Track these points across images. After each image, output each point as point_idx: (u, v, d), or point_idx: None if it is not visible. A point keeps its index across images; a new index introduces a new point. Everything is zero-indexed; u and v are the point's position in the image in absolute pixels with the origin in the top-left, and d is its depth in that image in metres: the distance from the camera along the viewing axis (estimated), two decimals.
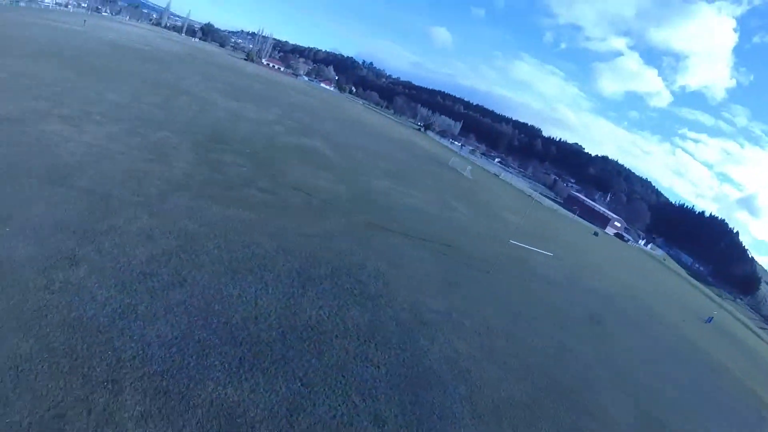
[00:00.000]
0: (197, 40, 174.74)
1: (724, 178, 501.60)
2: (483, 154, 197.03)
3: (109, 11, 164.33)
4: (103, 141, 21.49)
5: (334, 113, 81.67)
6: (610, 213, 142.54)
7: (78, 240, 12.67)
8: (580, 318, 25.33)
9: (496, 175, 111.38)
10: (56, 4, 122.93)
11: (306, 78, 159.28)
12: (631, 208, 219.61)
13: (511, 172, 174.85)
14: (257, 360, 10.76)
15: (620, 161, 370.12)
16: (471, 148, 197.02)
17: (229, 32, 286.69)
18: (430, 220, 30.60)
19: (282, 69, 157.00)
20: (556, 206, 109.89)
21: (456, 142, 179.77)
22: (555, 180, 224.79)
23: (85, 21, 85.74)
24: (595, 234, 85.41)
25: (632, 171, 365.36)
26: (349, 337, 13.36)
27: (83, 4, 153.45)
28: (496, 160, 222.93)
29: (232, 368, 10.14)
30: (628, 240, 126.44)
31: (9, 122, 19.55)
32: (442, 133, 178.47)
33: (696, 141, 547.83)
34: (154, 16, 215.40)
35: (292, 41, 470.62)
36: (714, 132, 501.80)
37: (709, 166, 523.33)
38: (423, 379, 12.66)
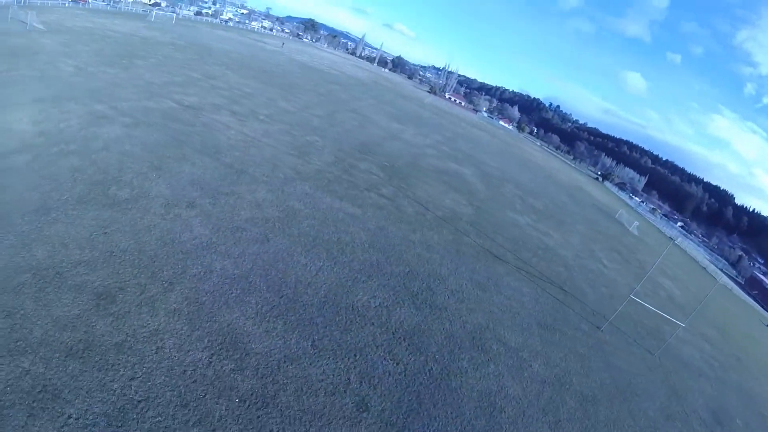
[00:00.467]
0: (387, 70, 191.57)
1: None
2: (665, 215, 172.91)
3: (309, 38, 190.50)
4: (258, 134, 26.03)
5: (501, 148, 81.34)
6: None
7: (202, 193, 16.73)
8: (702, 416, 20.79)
9: (672, 239, 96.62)
10: (262, 27, 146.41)
11: (486, 114, 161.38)
12: None
13: (691, 240, 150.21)
14: (287, 313, 12.41)
15: None
16: (652, 206, 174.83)
17: (419, 66, 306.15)
18: (559, 262, 28.53)
19: (463, 104, 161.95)
20: (733, 285, 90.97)
21: (635, 198, 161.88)
22: (740, 256, 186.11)
23: (283, 43, 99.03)
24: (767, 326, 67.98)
25: None
26: (385, 329, 13.77)
27: (286, 30, 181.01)
28: (678, 223, 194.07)
29: (262, 310, 12.07)
30: None
31: (190, 110, 25.38)
32: (622, 186, 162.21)
33: None
34: (351, 45, 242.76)
35: (480, 79, 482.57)
36: None
37: None
38: (442, 396, 12.21)
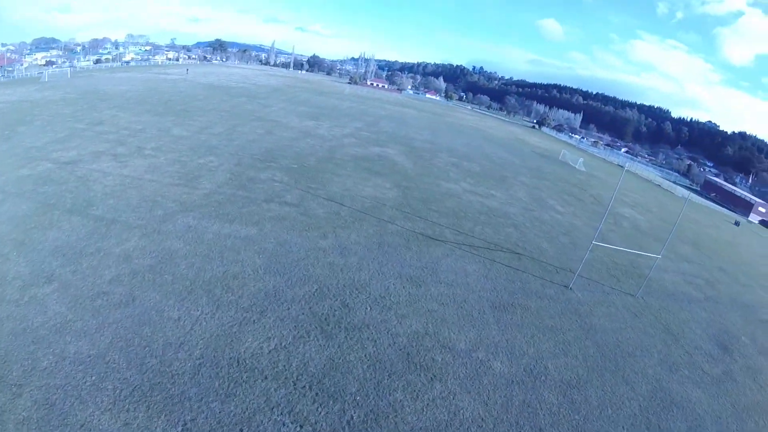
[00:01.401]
0: (304, 72, 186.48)
1: None
2: (607, 145, 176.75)
3: (219, 58, 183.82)
4: (140, 172, 21.74)
5: (430, 120, 78.76)
6: (753, 197, 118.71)
7: (64, 261, 13.57)
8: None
9: (620, 166, 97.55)
10: (167, 59, 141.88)
11: (411, 91, 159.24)
12: None
13: (638, 162, 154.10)
14: (152, 393, 9.32)
15: (759, 136, 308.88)
16: (593, 140, 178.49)
17: (338, 61, 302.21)
18: (507, 222, 25.51)
19: (386, 86, 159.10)
20: (691, 194, 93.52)
21: (575, 136, 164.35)
22: (690, 165, 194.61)
23: (187, 70, 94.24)
24: (736, 224, 68.86)
25: None
26: (284, 381, 10.21)
27: (193, 57, 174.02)
28: (623, 150, 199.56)
29: (120, 397, 9.24)
30: None
31: (67, 166, 21.19)
32: (559, 128, 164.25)
33: None
34: (264, 56, 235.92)
35: (401, 60, 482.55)
36: None
37: None
38: None
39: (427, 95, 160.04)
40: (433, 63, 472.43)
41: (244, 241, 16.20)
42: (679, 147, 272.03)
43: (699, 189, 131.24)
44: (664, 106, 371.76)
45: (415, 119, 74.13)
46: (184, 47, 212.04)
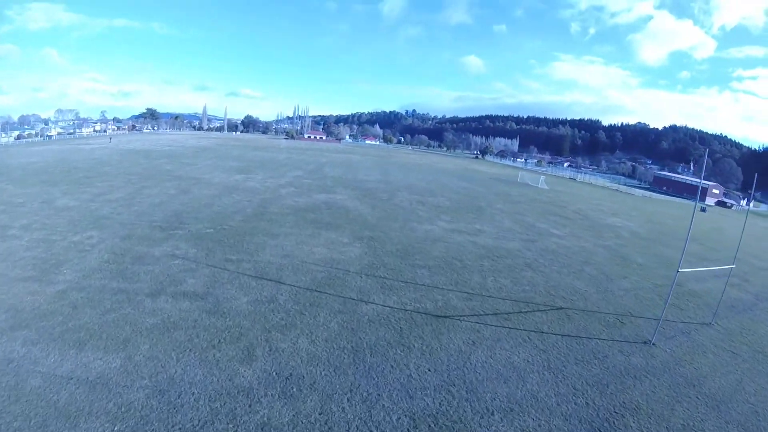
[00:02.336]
0: (238, 133, 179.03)
1: None
2: (549, 162, 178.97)
3: (150, 127, 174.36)
4: None
5: (375, 162, 72.92)
6: (703, 182, 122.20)
7: None
8: None
9: (573, 179, 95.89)
10: (94, 131, 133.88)
11: (350, 140, 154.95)
12: (718, 169, 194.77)
13: (585, 172, 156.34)
14: None
15: (689, 126, 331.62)
16: (535, 160, 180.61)
17: (273, 122, 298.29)
18: (517, 266, 18.31)
19: (324, 138, 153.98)
20: (647, 193, 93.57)
21: (518, 159, 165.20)
22: (633, 166, 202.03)
23: (110, 138, 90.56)
24: (703, 210, 67.43)
25: (704, 131, 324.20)
26: None
27: (123, 127, 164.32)
28: (566, 164, 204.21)
29: None
30: (731, 205, 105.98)
31: None
32: (502, 154, 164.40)
33: (754, 78, 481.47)
34: (196, 123, 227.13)
35: (335, 113, 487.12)
36: None
37: None
38: None
39: (367, 141, 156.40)
40: (367, 112, 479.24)
41: (92, 391, 7.78)
42: (617, 152, 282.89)
43: (649, 186, 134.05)
44: (593, 115, 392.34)
45: (361, 162, 67.84)
46: (114, 119, 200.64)
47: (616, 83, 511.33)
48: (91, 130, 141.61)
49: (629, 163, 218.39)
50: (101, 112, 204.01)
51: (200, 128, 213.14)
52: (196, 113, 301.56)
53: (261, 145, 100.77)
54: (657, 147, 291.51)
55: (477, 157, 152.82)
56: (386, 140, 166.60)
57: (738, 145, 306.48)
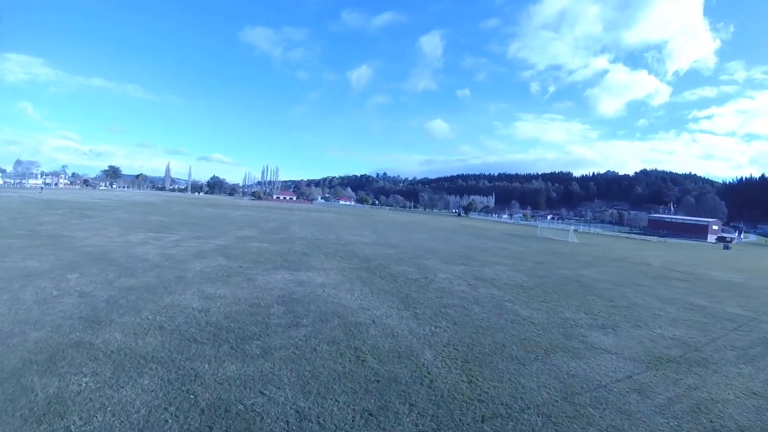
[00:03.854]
0: (202, 194, 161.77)
1: (750, 137, 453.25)
2: (532, 216, 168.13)
3: (106, 184, 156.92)
4: None
5: (358, 221, 57.10)
6: (701, 220, 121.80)
7: None
8: None
9: (577, 231, 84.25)
10: (45, 183, 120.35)
11: (322, 201, 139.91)
12: (702, 206, 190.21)
13: (574, 224, 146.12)
14: None
15: (659, 168, 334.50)
16: (520, 214, 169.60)
17: (243, 186, 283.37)
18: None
19: (294, 199, 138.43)
20: (647, 237, 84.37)
21: (503, 215, 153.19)
22: (619, 213, 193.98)
23: (42, 188, 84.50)
24: (726, 247, 57.90)
25: (674, 172, 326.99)
26: None
27: (75, 182, 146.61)
28: (549, 217, 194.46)
29: None
30: (731, 240, 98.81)
31: None
32: (487, 210, 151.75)
33: (709, 117, 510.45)
34: (159, 184, 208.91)
35: (306, 178, 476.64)
36: (721, 99, 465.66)
37: (732, 134, 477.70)
38: None
39: (341, 202, 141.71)
40: (338, 176, 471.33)
41: None
42: (595, 200, 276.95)
43: (645, 230, 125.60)
44: (560, 168, 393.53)
45: (340, 221, 51.79)
46: (72, 174, 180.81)
47: (577, 138, 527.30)
48: (41, 182, 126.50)
49: (611, 210, 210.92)
50: (62, 166, 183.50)
51: (162, 188, 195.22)
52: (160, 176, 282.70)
53: (218, 203, 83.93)
54: (631, 192, 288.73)
55: (459, 215, 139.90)
56: (361, 201, 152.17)
57: (709, 182, 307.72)
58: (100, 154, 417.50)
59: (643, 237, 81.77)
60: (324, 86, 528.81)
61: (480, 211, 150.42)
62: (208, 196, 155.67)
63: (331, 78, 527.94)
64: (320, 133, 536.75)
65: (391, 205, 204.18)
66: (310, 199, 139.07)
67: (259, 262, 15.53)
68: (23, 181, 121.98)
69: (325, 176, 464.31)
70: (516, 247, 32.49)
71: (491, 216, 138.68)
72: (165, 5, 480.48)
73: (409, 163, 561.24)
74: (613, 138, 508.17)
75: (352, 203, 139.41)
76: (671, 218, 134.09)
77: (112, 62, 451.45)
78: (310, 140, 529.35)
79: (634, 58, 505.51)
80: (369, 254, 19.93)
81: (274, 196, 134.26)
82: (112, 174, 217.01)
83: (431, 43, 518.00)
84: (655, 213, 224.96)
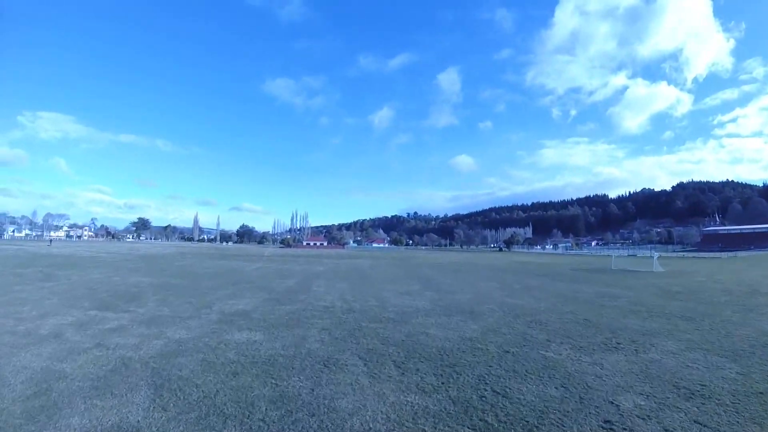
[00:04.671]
0: (230, 243, 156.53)
1: None
2: (577, 244, 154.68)
3: (135, 236, 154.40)
4: None
5: (397, 266, 48.14)
6: (760, 227, 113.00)
7: None
8: None
9: (634, 256, 73.19)
10: (68, 236, 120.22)
11: (354, 244, 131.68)
12: (750, 213, 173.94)
13: (622, 248, 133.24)
14: None
15: (695, 179, 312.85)
16: (566, 243, 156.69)
17: (275, 233, 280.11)
18: None
19: (326, 244, 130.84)
20: (708, 254, 75.71)
21: (547, 246, 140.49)
22: (668, 231, 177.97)
23: (51, 241, 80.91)
24: None
25: (711, 182, 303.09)
26: None
27: (101, 234, 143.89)
28: (593, 243, 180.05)
29: None
30: None
31: None
32: (530, 242, 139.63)
33: (733, 120, 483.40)
34: (188, 235, 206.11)
35: (337, 222, 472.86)
36: (743, 100, 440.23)
37: (758, 134, 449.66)
38: None
39: (374, 245, 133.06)
40: (369, 219, 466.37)
41: None
42: (637, 221, 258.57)
43: (699, 246, 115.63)
44: (593, 191, 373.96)
45: (378, 269, 42.72)
46: (102, 226, 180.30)
47: (604, 158, 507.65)
48: (63, 233, 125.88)
49: (658, 229, 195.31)
50: (91, 219, 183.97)
51: (190, 239, 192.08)
52: (200, 227, 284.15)
53: (242, 253, 76.31)
54: (671, 207, 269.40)
55: (501, 249, 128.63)
56: (395, 242, 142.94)
57: (748, 186, 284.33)
58: (133, 206, 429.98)
59: (706, 254, 72.63)
60: (345, 130, 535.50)
61: (522, 243, 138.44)
62: (237, 245, 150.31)
63: (351, 122, 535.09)
64: (345, 176, 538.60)
65: (426, 245, 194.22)
66: (342, 243, 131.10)
67: (212, 412, 6.44)
68: (44, 233, 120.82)
69: (355, 219, 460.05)
70: (622, 291, 22.30)
71: (534, 248, 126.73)
72: (188, 63, 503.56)
73: (436, 200, 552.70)
74: (640, 154, 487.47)
75: (386, 245, 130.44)
76: (726, 230, 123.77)
77: (140, 118, 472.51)
78: (336, 184, 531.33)
79: (652, 71, 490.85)
80: (445, 347, 10.54)
81: (304, 242, 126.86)
82: (141, 226, 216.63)
83: (448, 79, 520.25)
84: (700, 226, 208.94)
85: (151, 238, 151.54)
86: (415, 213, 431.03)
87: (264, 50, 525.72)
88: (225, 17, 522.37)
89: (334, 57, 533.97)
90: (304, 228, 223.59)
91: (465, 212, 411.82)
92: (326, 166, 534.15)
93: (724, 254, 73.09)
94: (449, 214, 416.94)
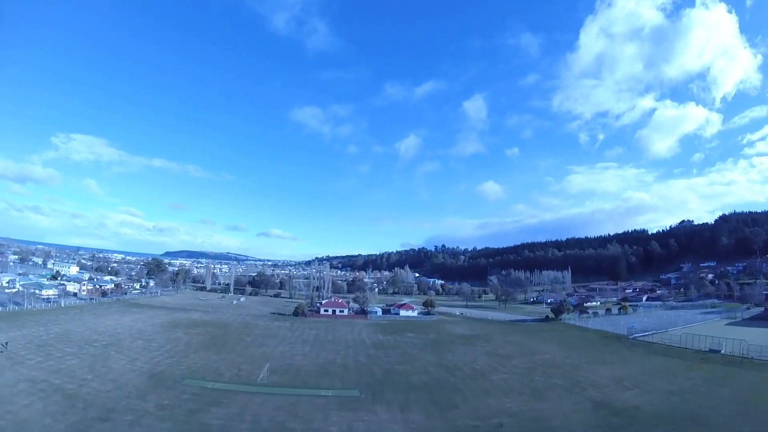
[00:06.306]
0: (242, 298, 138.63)
1: None
2: (626, 304, 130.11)
3: (143, 286, 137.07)
4: None
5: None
6: None
7: None
8: None
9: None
10: (53, 297, 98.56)
11: (380, 313, 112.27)
12: None
13: (687, 306, 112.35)
14: None
15: (737, 210, 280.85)
16: (609, 299, 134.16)
17: (294, 265, 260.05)
18: None
19: (346, 310, 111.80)
20: None
21: (600, 311, 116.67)
22: (727, 284, 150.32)
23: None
24: None
25: (754, 212, 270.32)
26: None
27: (90, 287, 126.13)
28: (644, 298, 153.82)
29: None
30: None
31: None
32: (582, 310, 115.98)
33: (763, 138, 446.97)
34: (199, 283, 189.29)
35: (363, 253, 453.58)
36: None
37: None
38: None
39: (402, 312, 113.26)
40: (395, 252, 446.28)
41: None
42: (682, 264, 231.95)
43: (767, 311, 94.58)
44: (630, 225, 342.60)
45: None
46: (94, 279, 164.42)
47: (633, 183, 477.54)
48: (53, 292, 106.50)
49: (708, 276, 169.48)
50: (88, 277, 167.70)
51: (203, 288, 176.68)
52: (228, 252, 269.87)
53: (233, 334, 57.27)
54: (716, 245, 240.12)
55: (548, 319, 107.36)
56: (426, 305, 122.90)
57: None
58: (163, 229, 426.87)
59: None
60: (372, 158, 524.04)
61: (576, 308, 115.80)
62: (249, 299, 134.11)
63: (379, 150, 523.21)
64: (372, 204, 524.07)
65: (455, 295, 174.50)
66: (365, 310, 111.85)
67: None
68: (33, 291, 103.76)
69: (381, 251, 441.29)
70: None
71: (593, 321, 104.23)
72: (219, 91, 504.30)
73: (463, 228, 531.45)
74: (669, 178, 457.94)
75: (416, 313, 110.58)
76: None
77: (172, 143, 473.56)
78: (362, 212, 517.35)
79: (679, 92, 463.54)
80: None
81: (321, 310, 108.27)
82: (156, 267, 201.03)
83: (474, 107, 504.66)
84: (747, 265, 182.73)
85: (157, 291, 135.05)
86: (443, 246, 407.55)
87: (292, 79, 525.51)
88: (253, 46, 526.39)
89: (361, 85, 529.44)
90: (323, 266, 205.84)
91: (493, 242, 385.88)
92: (353, 194, 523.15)
93: None
94: (478, 247, 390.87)
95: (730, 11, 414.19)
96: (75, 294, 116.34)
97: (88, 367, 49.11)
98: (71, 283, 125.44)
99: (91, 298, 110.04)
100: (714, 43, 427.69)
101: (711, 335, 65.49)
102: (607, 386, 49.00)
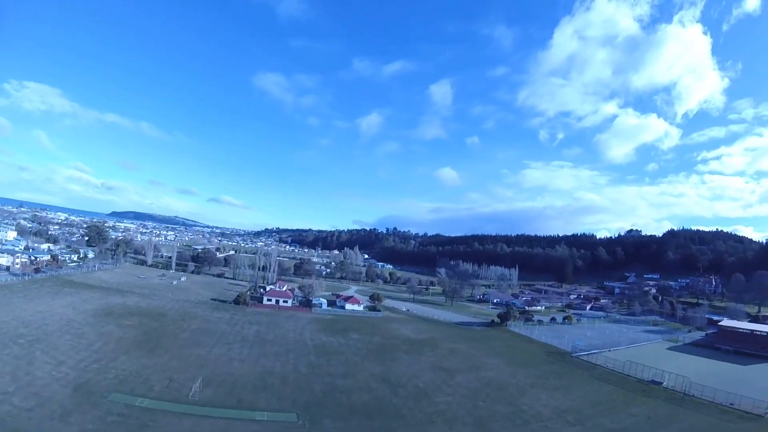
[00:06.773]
0: (183, 279, 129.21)
1: (760, 174, 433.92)
2: (571, 313, 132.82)
3: (79, 258, 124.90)
4: None
5: None
6: None
7: None
8: None
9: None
10: None
11: (327, 306, 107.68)
12: (752, 285, 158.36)
13: (628, 322, 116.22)
14: None
15: (685, 227, 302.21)
16: (555, 304, 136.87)
17: (243, 234, 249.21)
18: None
19: (290, 300, 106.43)
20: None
21: (545, 316, 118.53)
22: (671, 304, 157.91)
23: None
24: None
25: (702, 230, 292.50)
26: None
27: (41, 259, 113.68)
28: (588, 307, 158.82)
29: None
30: None
31: None
32: (527, 315, 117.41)
33: (717, 157, 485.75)
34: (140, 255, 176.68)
35: (314, 227, 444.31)
36: (730, 139, 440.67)
37: (741, 173, 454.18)
38: None
39: (348, 305, 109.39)
40: (347, 230, 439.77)
41: None
42: (633, 275, 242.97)
43: (712, 339, 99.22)
44: (561, 222, 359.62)
45: None
46: (26, 248, 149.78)
47: (586, 184, 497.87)
48: None
49: (651, 290, 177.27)
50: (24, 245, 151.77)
51: (144, 262, 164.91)
52: (177, 216, 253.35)
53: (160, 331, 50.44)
54: (662, 258, 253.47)
55: (492, 323, 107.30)
56: (373, 299, 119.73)
57: (738, 239, 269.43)
58: (112, 188, 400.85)
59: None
60: (334, 133, 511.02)
61: (523, 315, 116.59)
62: (190, 280, 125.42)
63: (341, 125, 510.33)
64: (329, 179, 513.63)
65: (402, 284, 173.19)
66: (310, 302, 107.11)
67: None
68: None
69: (333, 228, 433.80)
70: None
71: (532, 321, 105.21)
72: (179, 49, 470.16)
73: (418, 211, 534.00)
74: (622, 183, 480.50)
75: (362, 307, 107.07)
76: (749, 329, 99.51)
77: (126, 98, 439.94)
78: (319, 186, 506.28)
79: (644, 102, 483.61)
80: None
81: (265, 299, 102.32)
82: (96, 236, 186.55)
83: (441, 92, 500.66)
84: (690, 283, 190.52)
85: (94, 266, 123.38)
86: (395, 229, 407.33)
87: (259, 42, 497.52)
88: (220, 3, 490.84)
89: (330, 58, 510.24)
90: (270, 236, 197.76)
91: (445, 230, 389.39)
92: (310, 167, 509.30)
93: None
94: (429, 233, 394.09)
95: (705, 32, 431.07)
96: (8, 268, 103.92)
97: (10, 374, 42.50)
98: (4, 255, 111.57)
99: (24, 274, 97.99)
100: (685, 59, 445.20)
101: (653, 364, 66.26)
102: (550, 419, 48.04)
